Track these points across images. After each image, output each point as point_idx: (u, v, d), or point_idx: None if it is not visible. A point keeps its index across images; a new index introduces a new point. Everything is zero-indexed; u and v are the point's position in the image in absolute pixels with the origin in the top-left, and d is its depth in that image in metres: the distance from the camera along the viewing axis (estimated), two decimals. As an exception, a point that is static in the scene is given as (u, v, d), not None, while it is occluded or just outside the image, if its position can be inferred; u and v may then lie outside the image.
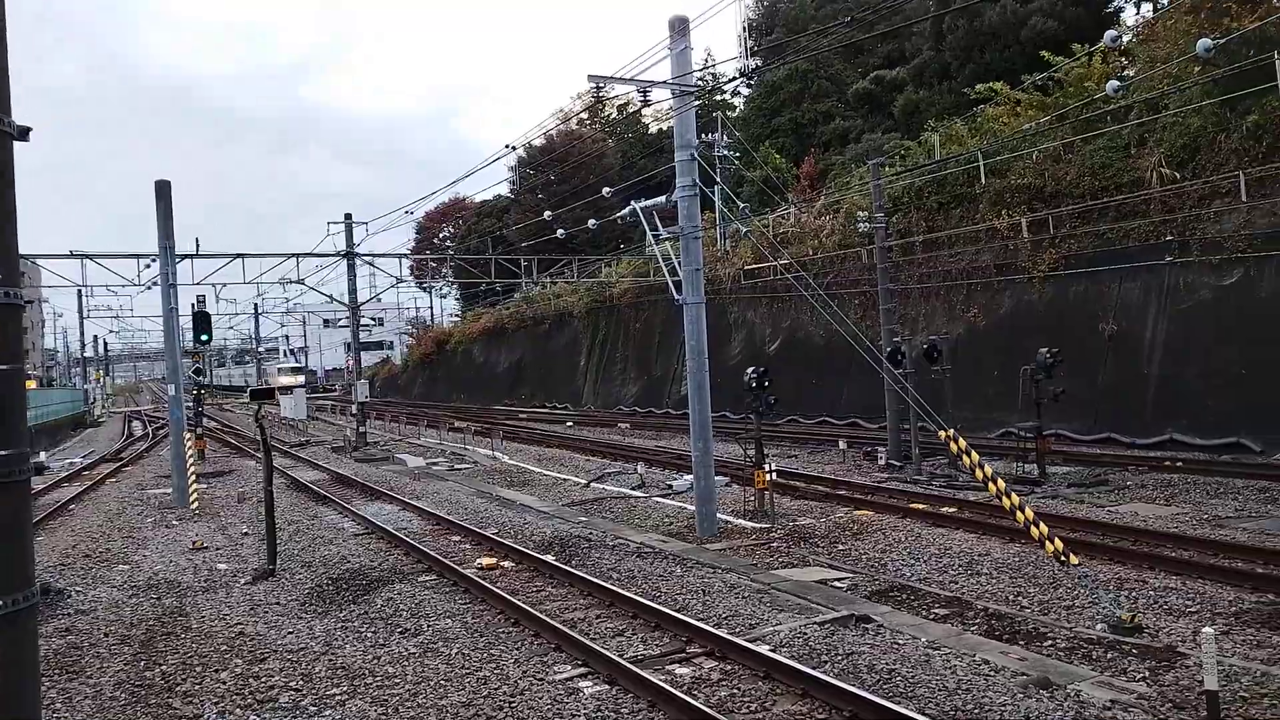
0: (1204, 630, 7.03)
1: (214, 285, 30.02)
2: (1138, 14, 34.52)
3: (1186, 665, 7.89)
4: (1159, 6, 30.20)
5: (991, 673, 7.91)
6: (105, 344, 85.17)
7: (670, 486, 19.34)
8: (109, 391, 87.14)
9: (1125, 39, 27.18)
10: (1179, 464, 18.54)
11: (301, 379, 79.28)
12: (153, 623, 10.95)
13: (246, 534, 16.63)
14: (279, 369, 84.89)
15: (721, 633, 9.09)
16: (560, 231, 32.74)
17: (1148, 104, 23.93)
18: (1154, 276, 22.55)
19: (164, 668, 9.31)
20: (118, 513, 19.91)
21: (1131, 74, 25.65)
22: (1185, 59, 21.12)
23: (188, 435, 21.34)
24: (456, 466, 25.90)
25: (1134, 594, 10.12)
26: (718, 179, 14.92)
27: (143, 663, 9.50)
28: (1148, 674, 7.83)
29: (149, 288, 26.41)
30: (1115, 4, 37.17)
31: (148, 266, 24.81)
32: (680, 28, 14.17)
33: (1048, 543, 9.49)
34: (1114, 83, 19.49)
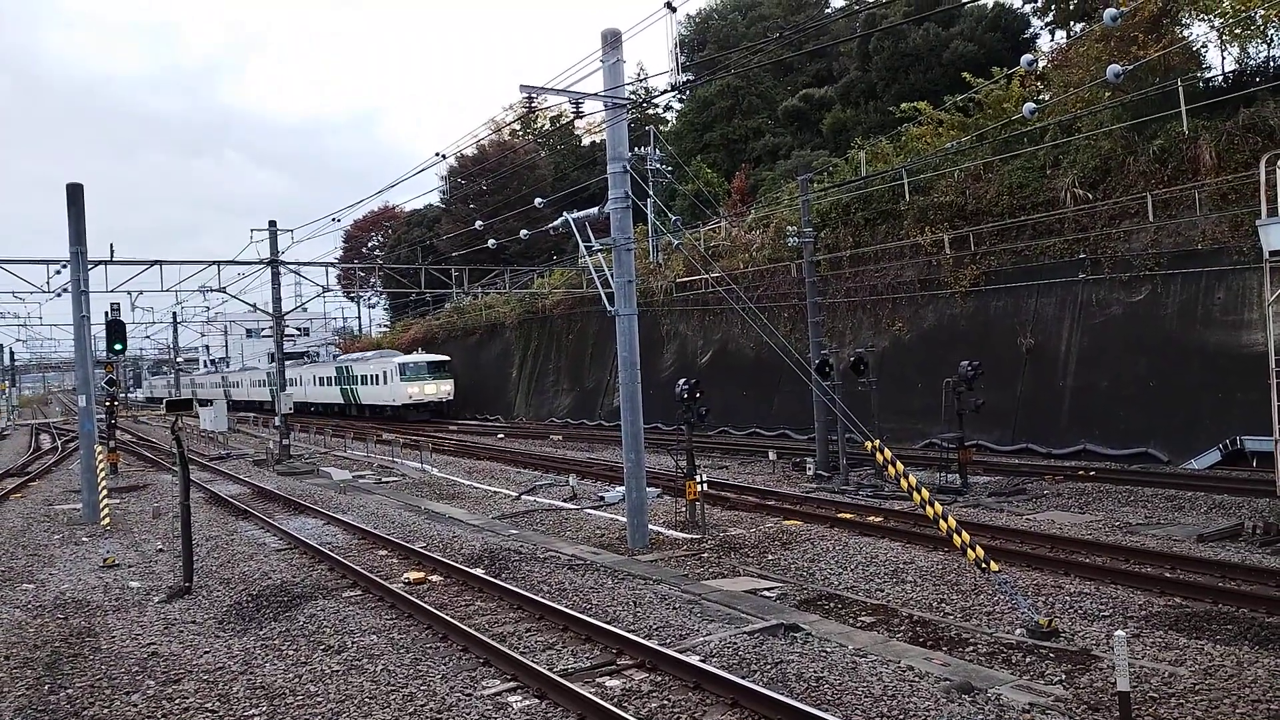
0: (1116, 634, 7.29)
1: (129, 292, 28.95)
2: (1052, 40, 35.92)
3: (1100, 667, 8.16)
4: (1072, 34, 31.47)
5: (916, 678, 8.06)
6: (11, 353, 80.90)
7: (602, 498, 19.29)
8: (15, 403, 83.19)
9: (1040, 64, 28.25)
10: (1092, 473, 19.23)
11: (449, 387, 46.92)
12: (59, 644, 10.46)
13: (161, 550, 16.02)
14: (402, 366, 46.70)
15: (652, 644, 9.08)
16: (492, 242, 32.54)
17: (1062, 126, 24.89)
18: (1068, 292, 23.41)
19: (70, 691, 8.90)
20: (22, 529, 18.97)
21: (1046, 97, 26.65)
22: (1096, 84, 22.07)
23: (99, 448, 20.49)
24: (384, 480, 25.41)
25: (1051, 599, 10.44)
26: (650, 191, 14.98)
27: (47, 687, 9.06)
28: (1064, 677, 8.07)
29: (59, 295, 25.35)
30: (1031, 30, 38.63)
31: (58, 272, 23.81)
32: (612, 41, 14.23)
33: (969, 551, 9.73)
34: (1030, 105, 20.23)
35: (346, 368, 51.69)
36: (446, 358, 48.04)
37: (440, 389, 45.76)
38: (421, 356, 48.17)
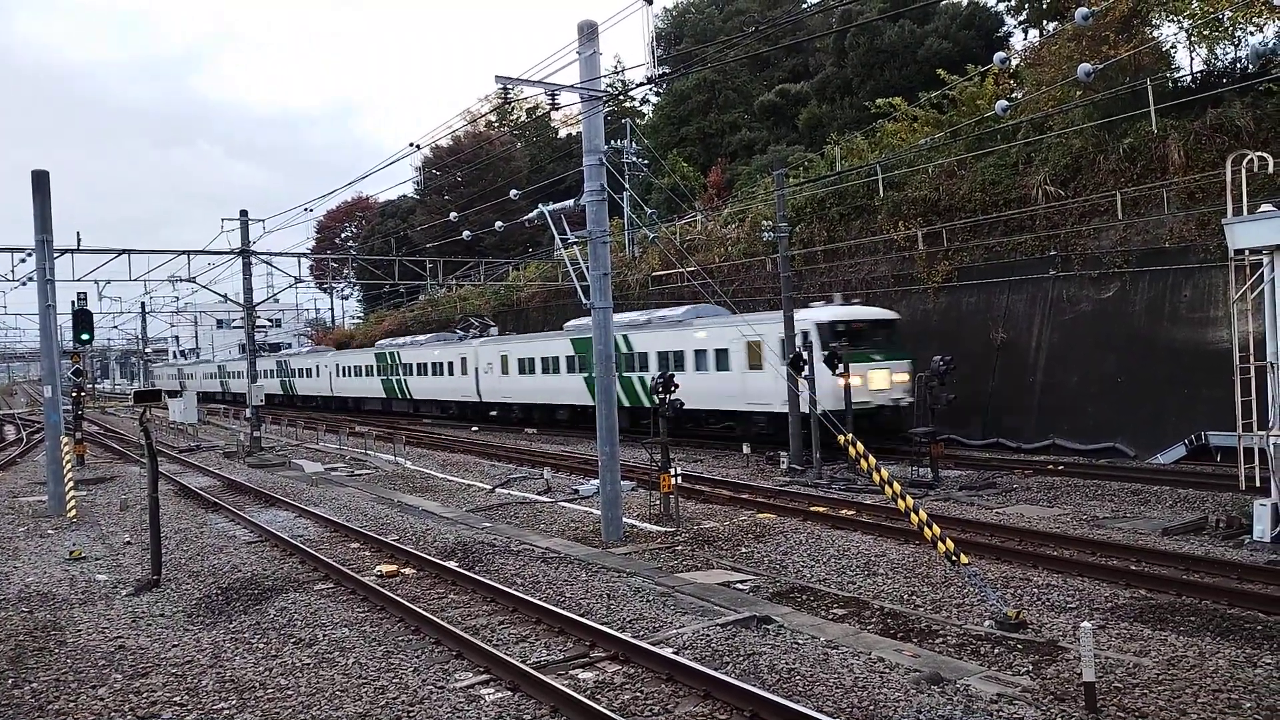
0: (1083, 625, 7.41)
1: (97, 282, 28.60)
2: (1025, 39, 36.25)
3: (1067, 658, 8.28)
4: (1045, 32, 31.76)
5: (886, 670, 8.14)
6: (-26, 343, 79.48)
7: (576, 491, 19.27)
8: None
9: (1013, 62, 28.49)
10: (1061, 467, 19.49)
11: (905, 376, 22.63)
12: (23, 637, 10.29)
13: (129, 543, 15.81)
14: (823, 329, 22.09)
15: (625, 636, 9.10)
16: (466, 233, 32.37)
17: (1034, 124, 25.13)
18: (1039, 288, 23.67)
19: (35, 685, 8.77)
20: (-15, 522, 18.67)
21: (1019, 95, 26.89)
22: (1068, 83, 22.30)
23: (65, 440, 20.17)
24: (357, 472, 25.23)
25: (1019, 591, 10.57)
26: (626, 185, 14.98)
27: (10, 680, 8.92)
28: (1031, 668, 8.18)
29: (24, 283, 24.93)
30: (1005, 29, 38.95)
31: (23, 261, 23.41)
32: (589, 32, 14.17)
33: (940, 544, 9.82)
34: (1003, 103, 20.39)
35: (621, 339, 27.24)
36: (894, 314, 24.85)
37: (894, 380, 22.73)
38: (850, 309, 24.21)
